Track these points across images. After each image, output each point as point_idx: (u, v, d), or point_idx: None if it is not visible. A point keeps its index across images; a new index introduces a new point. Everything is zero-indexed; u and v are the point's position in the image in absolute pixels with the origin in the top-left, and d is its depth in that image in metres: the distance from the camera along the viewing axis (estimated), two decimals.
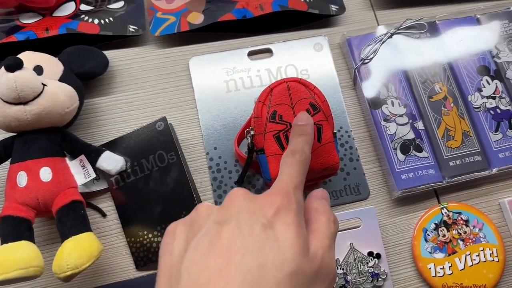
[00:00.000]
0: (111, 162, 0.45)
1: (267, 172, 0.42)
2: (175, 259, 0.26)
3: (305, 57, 0.52)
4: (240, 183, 0.46)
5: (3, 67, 0.40)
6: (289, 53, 0.52)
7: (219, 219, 0.27)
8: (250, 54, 0.52)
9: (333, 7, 0.53)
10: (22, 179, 0.41)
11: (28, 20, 0.52)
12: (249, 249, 0.25)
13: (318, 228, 0.29)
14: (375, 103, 0.49)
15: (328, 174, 0.44)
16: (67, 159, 0.44)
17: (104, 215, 0.46)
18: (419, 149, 0.48)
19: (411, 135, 0.48)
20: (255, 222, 0.26)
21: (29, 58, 0.43)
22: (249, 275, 0.24)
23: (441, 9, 0.56)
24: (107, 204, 0.47)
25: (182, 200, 0.45)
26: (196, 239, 0.26)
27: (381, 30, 0.52)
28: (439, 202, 0.48)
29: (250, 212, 0.27)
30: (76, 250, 0.38)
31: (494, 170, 0.48)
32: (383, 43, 0.51)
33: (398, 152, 0.47)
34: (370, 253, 0.45)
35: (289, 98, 0.42)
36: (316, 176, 0.44)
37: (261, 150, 0.41)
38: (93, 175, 0.44)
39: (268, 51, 0.53)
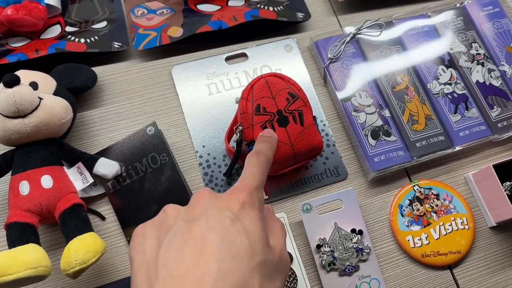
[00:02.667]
0: (107, 167, 0.48)
1: None
2: (150, 257, 0.28)
3: (277, 58, 0.57)
4: (228, 174, 0.50)
5: (1, 84, 0.43)
6: (262, 55, 0.57)
7: (188, 218, 0.29)
8: (228, 59, 0.57)
9: (300, 15, 0.59)
10: (24, 187, 0.44)
11: (17, 43, 0.55)
12: (221, 241, 0.27)
13: (274, 231, 0.32)
14: (345, 98, 0.54)
15: (314, 154, 0.49)
16: (65, 168, 0.47)
17: (103, 218, 0.49)
18: (388, 134, 0.53)
19: (379, 122, 0.53)
20: (223, 217, 0.28)
21: (24, 75, 0.46)
22: (225, 263, 0.26)
23: (395, 10, 0.62)
24: (105, 208, 0.49)
25: (177, 197, 0.48)
26: (168, 237, 0.28)
27: (346, 31, 0.58)
28: (410, 180, 0.53)
29: (217, 209, 0.29)
30: (83, 247, 0.40)
31: (457, 148, 0.53)
32: (347, 43, 0.57)
33: (369, 138, 0.52)
34: (353, 230, 0.49)
35: (269, 91, 0.47)
36: (305, 157, 0.48)
37: (251, 142, 0.45)
38: (91, 180, 0.47)
39: (244, 55, 0.57)
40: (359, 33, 0.57)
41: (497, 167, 0.49)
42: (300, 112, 0.47)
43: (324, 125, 0.55)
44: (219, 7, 0.59)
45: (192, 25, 0.56)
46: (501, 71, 0.58)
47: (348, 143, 0.54)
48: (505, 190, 0.49)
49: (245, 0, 0.59)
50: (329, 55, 0.56)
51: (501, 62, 0.58)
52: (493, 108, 0.55)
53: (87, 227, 0.43)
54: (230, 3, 0.59)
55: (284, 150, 0.46)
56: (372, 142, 0.52)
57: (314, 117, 0.48)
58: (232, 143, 0.51)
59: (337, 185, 0.52)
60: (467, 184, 0.53)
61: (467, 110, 0.55)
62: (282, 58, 0.57)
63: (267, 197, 0.51)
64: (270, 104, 0.46)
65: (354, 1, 0.62)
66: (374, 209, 0.51)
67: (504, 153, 0.55)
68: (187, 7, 0.59)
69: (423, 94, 0.55)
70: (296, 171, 0.52)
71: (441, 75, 0.56)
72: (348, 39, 0.57)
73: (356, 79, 0.55)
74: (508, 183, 0.50)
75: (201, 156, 0.52)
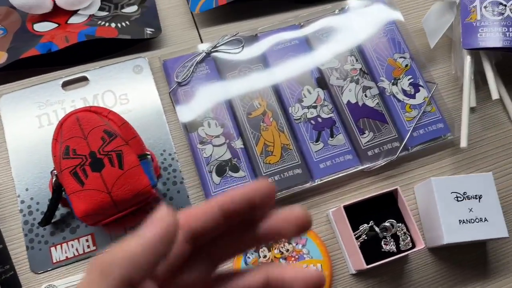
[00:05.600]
0: None
1: (73, 211, 0.41)
2: None
3: (124, 82, 0.50)
4: (44, 224, 0.44)
5: None
6: (106, 78, 0.50)
7: None
8: (65, 84, 0.50)
9: (148, 30, 0.51)
10: None
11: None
12: None
13: None
14: (192, 126, 0.48)
15: (143, 199, 0.43)
16: None
17: None
18: (236, 169, 0.46)
19: (228, 155, 0.47)
20: None
21: None
22: None
23: (268, 20, 0.55)
24: None
25: None
26: None
27: (199, 49, 0.51)
28: None
29: None
30: None
31: (317, 182, 0.47)
32: (198, 63, 0.50)
33: (214, 174, 0.46)
34: None
35: (80, 129, 0.40)
36: (132, 204, 0.42)
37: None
38: None
39: (84, 79, 0.51)
40: (215, 51, 0.50)
41: (356, 206, 0.43)
42: (118, 153, 0.41)
43: (173, 159, 0.48)
44: (56, 25, 0.52)
45: (18, 49, 0.49)
46: (380, 88, 0.51)
47: (197, 180, 0.48)
48: (361, 234, 0.43)
49: (89, 15, 0.52)
50: (178, 78, 0.49)
51: (381, 78, 0.51)
52: (364, 133, 0.48)
53: None
54: (71, 20, 0.52)
55: (100, 199, 0.40)
56: (216, 179, 0.46)
57: (143, 156, 0.42)
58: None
59: None
60: (330, 223, 0.47)
61: (332, 137, 0.48)
62: (130, 81, 0.51)
63: (94, 247, 0.45)
64: (82, 145, 0.40)
65: (218, 12, 0.54)
66: None
67: (377, 184, 0.48)
68: (23, 26, 0.52)
69: (283, 120, 0.49)
70: (133, 215, 0.46)
71: (305, 96, 0.50)
72: (198, 58, 0.50)
73: (207, 105, 0.49)
74: (365, 225, 0.44)
75: (22, 201, 0.46)
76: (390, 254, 0.43)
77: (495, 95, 0.49)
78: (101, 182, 0.40)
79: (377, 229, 0.43)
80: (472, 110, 0.52)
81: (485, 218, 0.43)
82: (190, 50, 0.51)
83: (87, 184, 0.40)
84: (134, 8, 0.53)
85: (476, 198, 0.44)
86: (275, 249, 0.45)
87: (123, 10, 0.53)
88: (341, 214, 0.43)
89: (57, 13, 0.52)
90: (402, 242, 0.43)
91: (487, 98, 0.52)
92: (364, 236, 0.43)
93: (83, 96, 0.50)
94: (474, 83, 0.52)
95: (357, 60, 0.52)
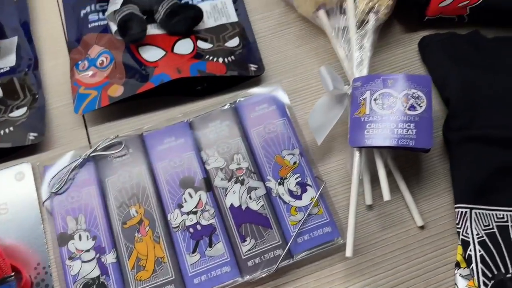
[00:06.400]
0: None
1: None
2: None
3: (4, 190, 0.49)
4: None
5: None
6: None
7: None
8: None
9: (31, 135, 0.50)
10: None
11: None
12: None
13: None
14: (63, 239, 0.46)
15: None
16: None
17: None
18: None
19: (96, 272, 0.44)
20: None
21: None
22: None
23: (158, 115, 0.53)
24: None
25: None
26: None
27: (82, 152, 0.50)
28: None
29: None
30: None
31: None
32: (78, 167, 0.49)
33: None
34: None
35: None
36: None
37: None
38: None
39: None
40: (94, 155, 0.49)
41: None
42: None
43: (47, 273, 0.46)
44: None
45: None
46: (267, 188, 0.48)
47: None
48: None
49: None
50: (53, 186, 0.48)
51: (268, 177, 0.48)
52: (245, 241, 0.46)
53: None
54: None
55: None
56: None
57: (3, 280, 0.41)
58: None
59: None
60: None
61: (210, 246, 0.45)
62: (11, 190, 0.49)
63: None
64: None
65: (106, 110, 0.53)
66: None
67: None
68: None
69: (160, 229, 0.46)
70: None
71: (186, 201, 0.47)
72: (75, 164, 0.48)
73: (80, 216, 0.47)
74: None
75: None
76: None
77: (386, 196, 0.46)
78: None
79: None
80: (369, 207, 0.49)
81: None
82: (75, 152, 0.49)
83: None
84: (22, 110, 0.53)
85: None
86: None
87: (11, 115, 0.52)
88: None
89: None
90: None
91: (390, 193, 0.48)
92: None
93: None
94: (369, 178, 0.49)
95: (244, 159, 0.49)
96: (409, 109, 0.46)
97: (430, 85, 0.47)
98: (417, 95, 0.46)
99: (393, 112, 0.46)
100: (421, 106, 0.46)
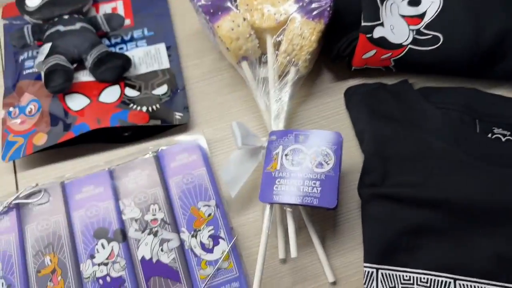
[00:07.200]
0: None
1: None
2: None
3: None
4: None
5: None
6: None
7: None
8: None
9: None
10: None
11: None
12: None
13: None
14: None
15: None
16: None
17: None
18: None
19: None
20: None
21: None
22: None
23: (83, 162, 0.54)
24: None
25: None
26: None
27: (4, 200, 0.51)
28: None
29: None
30: None
31: None
32: None
33: None
34: None
35: None
36: None
37: None
38: None
39: None
40: (15, 204, 0.50)
41: None
42: None
43: None
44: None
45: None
46: (181, 239, 0.48)
47: None
48: None
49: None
50: None
51: (182, 229, 0.49)
52: None
53: None
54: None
55: None
56: None
57: None
58: None
59: None
60: None
61: None
62: None
63: None
64: None
65: (38, 155, 0.54)
66: None
67: None
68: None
69: (72, 279, 0.47)
70: None
71: (98, 252, 0.48)
72: None
73: (1, 264, 0.48)
74: None
75: None
76: None
77: (293, 253, 0.46)
78: None
79: None
80: (283, 261, 0.49)
81: None
82: (0, 200, 0.51)
83: None
84: None
85: None
86: None
87: None
88: None
89: None
90: None
91: (303, 246, 0.48)
92: None
93: None
94: (283, 231, 0.49)
95: (160, 209, 0.50)
96: (316, 166, 0.46)
97: (340, 142, 0.47)
98: (325, 152, 0.46)
99: (302, 169, 0.46)
100: (328, 164, 0.46)
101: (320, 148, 0.47)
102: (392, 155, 0.48)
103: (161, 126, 0.55)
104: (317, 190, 0.45)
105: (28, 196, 0.51)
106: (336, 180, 0.45)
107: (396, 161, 0.47)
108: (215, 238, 0.48)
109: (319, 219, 0.50)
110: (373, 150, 0.48)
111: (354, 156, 0.52)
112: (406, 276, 0.44)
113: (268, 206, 0.47)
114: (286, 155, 0.47)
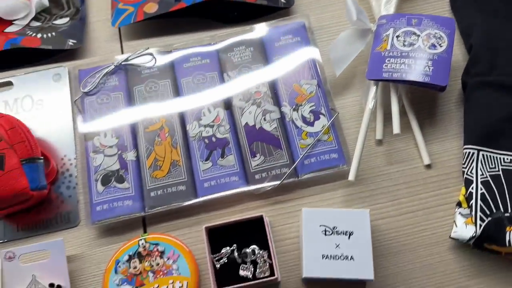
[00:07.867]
0: None
1: None
2: None
3: (42, 88, 0.54)
4: None
5: None
6: (28, 84, 0.54)
7: None
8: None
9: (70, 42, 0.54)
10: None
11: None
12: None
13: None
14: (89, 134, 0.50)
15: (24, 199, 0.46)
16: None
17: None
18: (121, 180, 0.48)
19: (116, 166, 0.48)
20: None
21: None
22: None
23: (187, 37, 0.56)
24: None
25: None
26: None
27: (115, 60, 0.53)
28: (145, 232, 0.48)
29: None
30: None
31: (201, 199, 0.47)
32: (109, 74, 0.52)
33: (99, 183, 0.48)
34: (52, 285, 0.45)
35: None
36: (10, 204, 0.46)
37: None
38: None
39: (10, 84, 0.55)
40: (125, 64, 0.53)
41: (229, 228, 0.43)
42: (1, 156, 0.44)
43: (71, 164, 0.51)
44: None
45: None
46: (282, 113, 0.50)
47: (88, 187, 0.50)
48: (222, 257, 0.43)
49: (23, 25, 0.56)
50: (85, 88, 0.52)
51: (284, 103, 0.51)
52: (255, 156, 0.48)
53: None
54: (8, 29, 0.56)
55: None
56: (100, 188, 0.47)
57: (30, 159, 0.45)
58: None
59: (67, 232, 0.48)
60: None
61: (222, 157, 0.48)
62: (48, 89, 0.54)
63: None
64: None
65: (142, 27, 0.56)
66: (95, 262, 0.47)
67: (264, 208, 0.48)
68: None
69: (179, 136, 0.49)
70: (26, 213, 0.49)
71: (205, 115, 0.50)
72: (107, 70, 0.52)
73: (109, 116, 0.51)
74: (228, 248, 0.43)
75: None
76: (246, 279, 0.42)
77: (395, 129, 0.47)
78: None
79: (236, 253, 0.43)
80: (379, 142, 0.50)
81: (351, 256, 0.41)
82: (108, 61, 0.53)
83: None
84: (65, 20, 0.57)
85: (346, 235, 0.42)
86: (146, 261, 0.46)
87: (54, 22, 0.56)
88: (204, 236, 0.43)
89: None
90: (258, 270, 0.42)
91: (400, 132, 0.50)
92: (224, 259, 0.43)
93: (5, 99, 0.54)
94: (382, 114, 0.50)
95: (263, 84, 0.52)
96: (429, 47, 0.47)
97: (453, 27, 0.47)
98: (439, 35, 0.47)
99: (414, 49, 0.47)
100: (441, 46, 0.47)
101: (433, 31, 0.47)
102: (501, 46, 0.48)
103: (265, 9, 0.56)
104: (429, 69, 0.46)
105: (137, 60, 0.53)
106: (449, 61, 0.46)
107: (505, 52, 0.48)
108: (316, 114, 0.50)
109: (417, 107, 0.51)
110: (483, 41, 0.49)
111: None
112: (507, 158, 0.46)
113: (373, 86, 0.48)
114: (397, 36, 0.48)
